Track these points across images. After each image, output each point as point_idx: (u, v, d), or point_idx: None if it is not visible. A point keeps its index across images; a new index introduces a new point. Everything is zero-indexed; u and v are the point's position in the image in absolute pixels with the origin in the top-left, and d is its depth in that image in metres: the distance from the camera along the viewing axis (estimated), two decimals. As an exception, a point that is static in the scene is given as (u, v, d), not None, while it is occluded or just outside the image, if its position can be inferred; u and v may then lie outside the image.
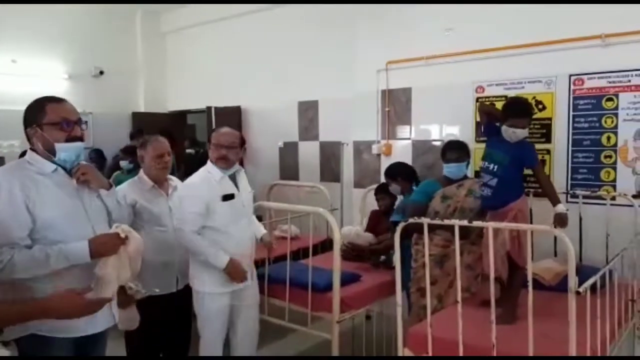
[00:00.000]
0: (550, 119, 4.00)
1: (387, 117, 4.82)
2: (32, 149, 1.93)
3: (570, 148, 3.90)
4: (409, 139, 4.75)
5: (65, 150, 1.89)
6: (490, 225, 2.51)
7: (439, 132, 4.55)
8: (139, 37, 7.31)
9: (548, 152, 4.00)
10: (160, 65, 7.46)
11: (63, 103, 1.93)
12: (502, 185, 2.99)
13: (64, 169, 1.94)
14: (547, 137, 4.01)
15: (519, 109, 3.10)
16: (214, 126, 5.77)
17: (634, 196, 3.58)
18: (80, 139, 1.93)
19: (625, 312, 2.97)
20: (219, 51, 6.67)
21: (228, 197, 2.89)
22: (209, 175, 2.91)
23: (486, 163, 3.10)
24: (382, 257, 3.82)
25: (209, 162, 2.96)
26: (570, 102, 3.90)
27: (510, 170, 2.99)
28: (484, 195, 3.10)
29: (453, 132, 4.41)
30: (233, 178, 2.99)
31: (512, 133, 2.99)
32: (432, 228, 3.14)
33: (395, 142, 4.82)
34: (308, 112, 5.80)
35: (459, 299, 2.45)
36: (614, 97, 3.72)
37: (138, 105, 7.32)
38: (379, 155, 4.85)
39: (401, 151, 4.73)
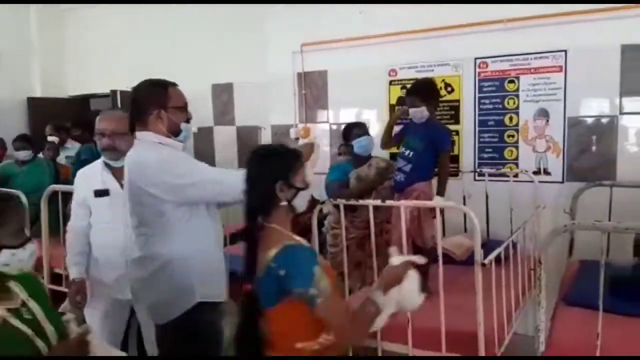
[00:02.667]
0: (458, 101, 4.16)
1: (304, 101, 4.78)
2: (143, 130, 2.01)
3: (476, 128, 4.09)
4: (326, 122, 4.75)
5: (186, 131, 2.11)
6: (402, 204, 2.57)
7: (356, 116, 4.58)
8: (32, 14, 6.64)
9: (457, 133, 4.16)
10: (58, 46, 6.83)
11: (178, 87, 2.11)
12: (414, 171, 3.04)
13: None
14: (455, 118, 4.17)
15: (412, 88, 3.17)
16: (121, 112, 5.39)
17: (534, 172, 3.84)
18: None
19: (529, 280, 3.18)
20: (125, 30, 6.20)
21: (101, 193, 2.42)
22: (95, 165, 2.53)
23: (403, 149, 3.15)
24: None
25: None
26: (476, 85, 4.08)
27: (424, 156, 3.03)
28: (397, 180, 3.13)
29: (369, 115, 4.47)
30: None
31: (412, 113, 3.04)
32: (352, 210, 3.16)
33: (313, 126, 4.80)
34: (222, 95, 5.60)
35: (376, 278, 2.49)
36: (515, 80, 3.94)
37: (34, 90, 6.69)
38: (297, 139, 4.80)
39: (320, 135, 4.72)
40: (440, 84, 4.19)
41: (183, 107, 2.07)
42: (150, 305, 2.11)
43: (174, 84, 2.08)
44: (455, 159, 4.17)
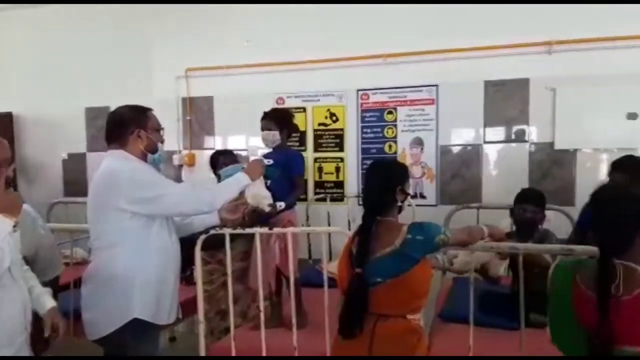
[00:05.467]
0: (342, 129, 4.32)
1: (188, 126, 4.64)
2: (120, 148, 2.09)
3: (360, 156, 4.27)
4: (213, 148, 4.63)
5: (161, 151, 2.22)
6: (289, 230, 2.55)
7: (243, 142, 4.54)
8: None
9: (342, 160, 4.31)
10: None
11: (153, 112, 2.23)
12: (277, 200, 2.85)
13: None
14: (340, 146, 4.32)
15: (270, 113, 3.13)
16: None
17: (412, 197, 4.06)
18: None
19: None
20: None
21: None
22: None
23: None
24: (187, 272, 3.57)
25: None
26: (358, 115, 4.27)
27: (282, 183, 2.92)
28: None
29: (257, 142, 4.44)
30: None
31: (264, 135, 3.02)
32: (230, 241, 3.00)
33: (199, 152, 4.66)
34: (97, 120, 5.23)
35: (262, 307, 2.43)
36: (393, 110, 4.20)
37: None
38: (180, 166, 4.63)
39: (206, 162, 4.57)
40: (325, 114, 4.34)
41: (159, 129, 2.21)
42: (87, 320, 2.06)
43: (151, 109, 2.21)
44: (340, 185, 4.30)
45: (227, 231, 2.50)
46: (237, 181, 2.23)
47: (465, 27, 3.92)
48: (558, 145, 3.83)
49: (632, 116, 3.65)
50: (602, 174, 3.75)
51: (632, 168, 2.44)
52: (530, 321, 2.33)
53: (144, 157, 2.13)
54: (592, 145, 3.79)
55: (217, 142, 4.63)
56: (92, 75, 5.01)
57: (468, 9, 3.90)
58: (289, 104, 4.38)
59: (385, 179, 1.91)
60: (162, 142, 2.23)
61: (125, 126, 2.12)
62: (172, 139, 4.64)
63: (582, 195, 3.37)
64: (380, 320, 1.78)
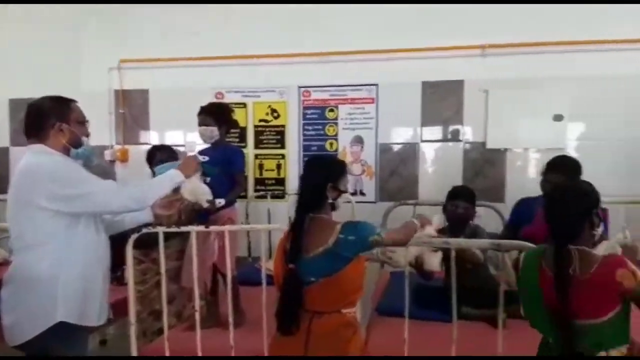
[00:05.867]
0: (284, 126, 4.29)
1: (121, 120, 4.44)
2: (40, 142, 1.97)
3: (301, 153, 4.25)
4: (148, 144, 4.46)
5: (87, 145, 2.09)
6: (226, 228, 2.50)
7: (181, 137, 4.41)
8: None
9: (283, 157, 4.28)
10: None
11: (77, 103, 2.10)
12: (217, 197, 2.77)
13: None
14: (281, 143, 4.29)
15: (207, 108, 3.04)
16: None
17: (352, 194, 4.11)
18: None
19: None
20: None
21: None
22: None
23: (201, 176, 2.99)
24: (118, 273, 3.42)
25: None
26: (300, 112, 4.25)
27: (222, 180, 2.87)
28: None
29: (195, 137, 4.31)
30: None
31: (202, 131, 2.95)
32: (164, 240, 2.89)
33: (133, 148, 4.48)
34: (22, 112, 4.85)
35: (197, 307, 2.37)
36: (335, 108, 4.22)
37: None
38: (113, 161, 4.43)
39: (140, 157, 4.39)
40: (266, 110, 4.29)
41: (84, 122, 2.09)
42: (7, 325, 1.92)
43: (74, 100, 2.08)
44: (281, 182, 4.27)
45: (160, 230, 2.41)
46: (169, 178, 2.15)
47: (405, 28, 4.00)
48: (490, 145, 3.99)
49: (558, 118, 3.86)
50: (531, 173, 3.95)
51: (568, 168, 2.61)
52: (463, 314, 2.41)
53: (66, 152, 2.01)
54: (522, 145, 3.98)
55: (152, 137, 4.47)
56: (17, 65, 4.67)
57: (407, 11, 3.98)
58: (229, 99, 4.30)
59: (318, 176, 1.90)
60: (87, 135, 2.10)
61: (45, 119, 1.99)
62: (103, 134, 4.44)
63: (512, 192, 3.55)
64: (315, 317, 1.79)
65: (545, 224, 2.23)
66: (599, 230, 1.75)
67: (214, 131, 2.92)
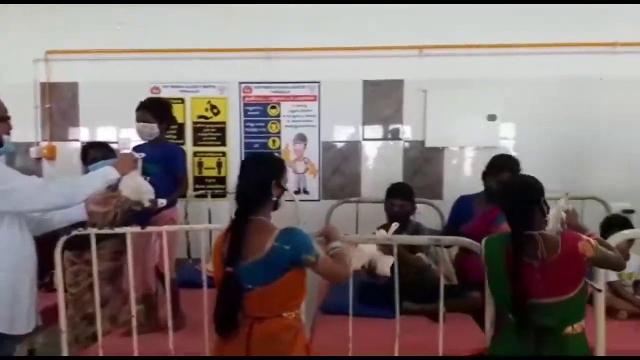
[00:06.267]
0: (224, 123, 4.19)
1: (48, 115, 4.16)
2: None
3: (242, 151, 4.17)
4: (78, 140, 4.22)
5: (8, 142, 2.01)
6: (164, 229, 2.41)
7: (114, 134, 4.19)
8: None
9: (224, 154, 4.18)
10: None
11: None
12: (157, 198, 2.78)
13: None
14: (222, 140, 4.19)
15: (147, 103, 2.88)
16: None
17: (295, 192, 4.09)
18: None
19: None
20: None
21: None
22: None
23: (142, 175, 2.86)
24: (46, 279, 3.20)
25: None
26: (241, 108, 4.17)
27: (164, 180, 2.69)
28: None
29: (129, 134, 4.13)
30: None
31: (140, 128, 2.81)
32: (101, 239, 2.74)
33: (61, 145, 4.21)
34: None
35: (134, 311, 2.26)
36: (277, 106, 4.17)
37: None
38: (39, 159, 4.15)
39: (69, 155, 4.16)
40: (206, 106, 4.17)
41: (4, 118, 2.01)
42: None
43: None
44: (222, 180, 4.17)
45: (92, 231, 2.29)
46: (102, 174, 2.04)
47: (345, 26, 4.02)
48: (428, 143, 4.10)
49: (491, 117, 4.02)
50: (467, 170, 4.10)
51: (512, 166, 2.81)
52: (404, 309, 2.46)
53: None
54: (458, 143, 4.11)
55: (82, 134, 4.22)
56: None
57: (348, 10, 4.00)
58: (166, 94, 4.12)
59: (261, 173, 1.83)
60: (9, 132, 2.00)
61: None
62: (28, 129, 4.14)
63: (449, 189, 3.66)
64: (256, 322, 1.75)
65: (485, 220, 2.45)
66: (548, 216, 1.97)
67: (153, 128, 2.79)
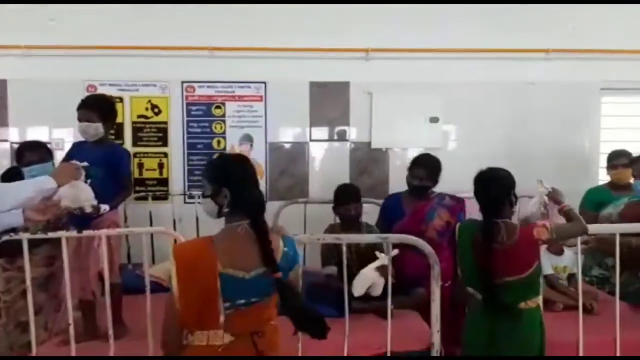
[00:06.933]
0: (166, 122, 4.05)
1: (-28, 114, 3.87)
2: None
3: (185, 151, 4.05)
4: (6, 141, 3.95)
5: None
6: (103, 232, 2.29)
7: (46, 134, 3.95)
8: None
9: (165, 155, 4.04)
10: None
11: None
12: (99, 200, 2.48)
13: None
14: (163, 140, 4.05)
15: (90, 101, 2.75)
16: None
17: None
18: None
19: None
20: None
21: None
22: None
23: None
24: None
25: None
26: (184, 108, 4.05)
27: (107, 183, 2.58)
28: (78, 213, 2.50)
29: (63, 134, 3.91)
30: None
31: (84, 128, 2.66)
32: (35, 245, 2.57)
33: (-13, 145, 3.92)
34: None
35: (71, 320, 2.13)
36: (221, 105, 4.08)
37: None
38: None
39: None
40: (146, 105, 4.03)
41: None
42: None
43: None
44: (164, 182, 4.04)
45: (25, 236, 2.14)
46: (36, 183, 1.92)
47: (292, 27, 4.00)
48: (374, 145, 4.16)
49: (434, 120, 4.14)
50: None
51: (430, 164, 3.06)
52: (353, 308, 2.47)
53: None
54: (402, 145, 4.20)
55: (12, 134, 3.95)
56: None
57: (295, 11, 3.98)
58: (103, 92, 3.90)
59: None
60: None
61: None
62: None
63: (394, 189, 3.71)
64: (256, 336, 1.62)
65: (415, 219, 2.62)
66: (516, 207, 2.23)
67: (98, 127, 2.65)
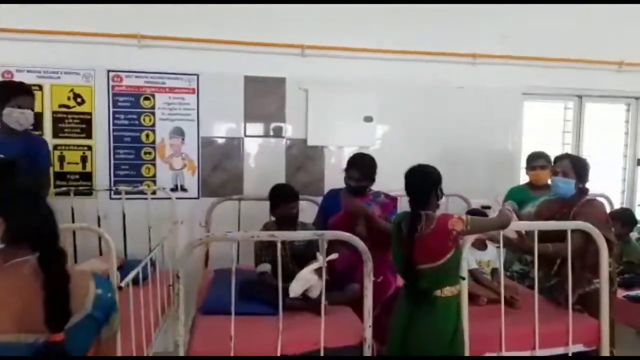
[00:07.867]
0: (90, 113, 3.82)
1: None
2: None
3: (111, 144, 3.84)
4: None
5: None
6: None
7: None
8: None
9: (89, 148, 3.81)
10: None
11: None
12: None
13: None
14: (87, 132, 3.81)
15: (23, 87, 2.64)
16: None
17: (172, 189, 3.87)
18: None
19: (168, 297, 3.13)
20: None
21: None
22: None
23: None
24: None
25: None
26: (110, 98, 3.84)
27: (26, 174, 2.43)
28: None
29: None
30: None
31: (21, 115, 2.51)
32: None
33: None
34: None
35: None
36: (151, 97, 3.90)
37: None
38: None
39: None
40: (68, 94, 3.77)
41: None
42: None
43: None
44: (88, 177, 3.80)
45: None
46: None
47: (227, 20, 3.90)
48: (310, 142, 4.15)
49: (368, 119, 4.20)
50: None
51: (365, 164, 3.09)
52: (287, 305, 2.44)
53: None
54: (337, 143, 4.22)
55: None
56: None
57: (231, 3, 3.89)
58: (20, 79, 3.60)
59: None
60: None
61: None
62: None
63: (329, 186, 3.73)
64: None
65: (348, 214, 2.69)
66: (442, 200, 2.38)
67: (31, 116, 2.50)
